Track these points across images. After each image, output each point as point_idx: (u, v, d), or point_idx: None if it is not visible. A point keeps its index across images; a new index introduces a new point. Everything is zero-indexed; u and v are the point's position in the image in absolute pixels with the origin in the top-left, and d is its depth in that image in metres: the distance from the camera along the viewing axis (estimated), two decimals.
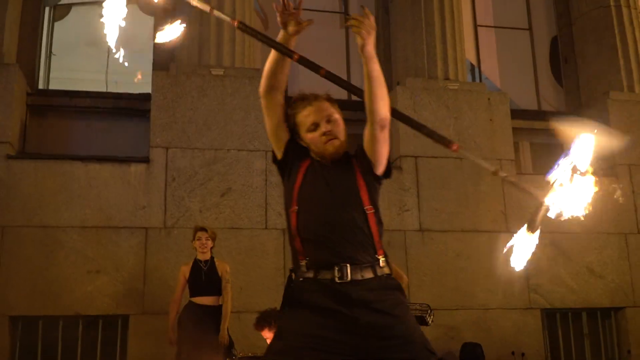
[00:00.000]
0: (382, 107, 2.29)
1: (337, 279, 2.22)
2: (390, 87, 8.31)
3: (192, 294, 5.69)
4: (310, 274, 2.28)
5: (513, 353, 7.14)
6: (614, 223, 8.06)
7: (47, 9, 8.21)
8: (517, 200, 7.84)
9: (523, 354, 7.15)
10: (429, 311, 6.42)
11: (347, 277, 2.23)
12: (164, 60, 7.81)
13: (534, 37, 9.68)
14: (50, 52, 8.16)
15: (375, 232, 2.34)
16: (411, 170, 7.66)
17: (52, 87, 8.06)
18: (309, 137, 2.39)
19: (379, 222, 2.37)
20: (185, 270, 5.71)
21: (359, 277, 2.25)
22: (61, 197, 6.74)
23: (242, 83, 7.38)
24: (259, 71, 7.57)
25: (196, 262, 5.72)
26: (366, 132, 2.36)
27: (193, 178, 7.05)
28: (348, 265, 2.24)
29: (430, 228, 7.56)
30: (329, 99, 2.46)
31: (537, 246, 7.40)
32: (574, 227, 7.86)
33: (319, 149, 2.38)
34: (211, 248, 5.81)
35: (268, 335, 4.96)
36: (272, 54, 2.40)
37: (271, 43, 2.40)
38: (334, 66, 9.49)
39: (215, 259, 5.77)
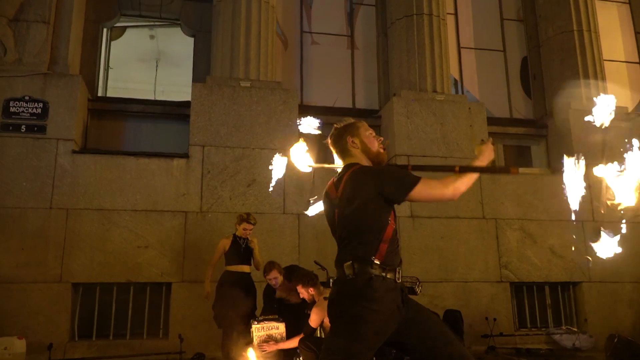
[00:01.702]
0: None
1: (397, 280, 2.25)
2: (387, 98, 8.30)
3: (230, 263, 5.65)
4: (385, 274, 2.23)
5: (487, 318, 7.07)
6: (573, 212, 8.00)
7: (105, 30, 8.20)
8: (491, 192, 7.82)
9: (495, 319, 7.08)
10: (417, 283, 6.41)
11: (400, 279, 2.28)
12: (201, 74, 7.82)
13: (507, 57, 9.57)
14: (108, 65, 8.15)
15: None
16: None
17: (109, 94, 8.05)
18: None
19: None
20: (226, 243, 5.68)
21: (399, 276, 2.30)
22: (116, 185, 6.73)
23: (265, 93, 7.36)
24: (280, 83, 7.61)
25: (236, 238, 5.71)
26: None
27: (224, 171, 7.04)
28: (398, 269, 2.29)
29: (419, 215, 7.51)
30: None
31: (508, 230, 7.37)
32: (540, 215, 7.91)
33: None
34: None
35: (301, 291, 4.93)
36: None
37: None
38: (340, 83, 9.54)
39: (249, 236, 5.78)
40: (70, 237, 6.48)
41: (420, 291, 6.44)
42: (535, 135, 9.04)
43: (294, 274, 5.20)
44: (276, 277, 5.47)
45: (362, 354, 2.14)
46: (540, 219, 7.90)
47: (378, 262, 2.21)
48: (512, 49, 9.64)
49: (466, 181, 2.35)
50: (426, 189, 2.31)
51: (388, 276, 2.22)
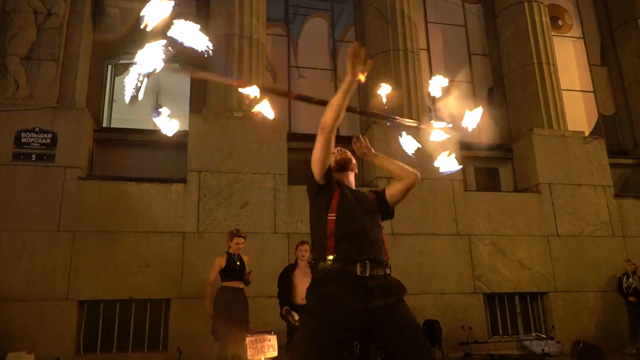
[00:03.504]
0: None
1: (359, 273, 2.19)
2: (368, 126, 8.47)
3: (226, 280, 5.60)
4: (337, 266, 2.20)
5: (462, 327, 7.16)
6: (538, 228, 8.18)
7: (109, 67, 8.34)
8: (464, 210, 7.95)
9: (470, 328, 7.17)
10: None
11: (367, 272, 2.20)
12: (198, 105, 7.91)
13: (475, 87, 9.84)
14: (112, 99, 8.25)
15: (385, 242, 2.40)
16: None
17: (113, 125, 8.14)
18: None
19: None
20: (222, 261, 5.64)
21: (374, 273, 2.22)
22: (119, 209, 6.79)
23: (256, 123, 7.46)
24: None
25: (230, 256, 5.71)
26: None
27: (219, 194, 7.11)
28: (368, 262, 2.23)
29: (400, 232, 7.60)
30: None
31: (480, 245, 7.45)
32: (509, 231, 8.06)
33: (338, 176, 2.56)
34: None
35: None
36: (343, 104, 2.31)
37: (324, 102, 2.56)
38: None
39: (240, 253, 5.81)
40: (77, 257, 6.52)
41: None
42: (502, 158, 9.24)
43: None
44: (307, 250, 5.73)
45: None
46: (509, 234, 8.06)
47: (331, 258, 2.22)
48: (479, 80, 9.91)
49: (327, 112, 2.30)
50: (315, 151, 2.35)
51: (344, 268, 2.20)
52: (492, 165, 9.33)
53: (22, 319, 6.14)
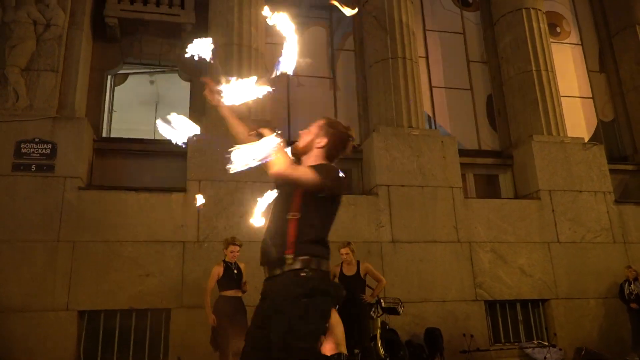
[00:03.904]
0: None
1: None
2: (368, 133, 8.49)
3: (224, 289, 5.63)
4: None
5: (464, 335, 7.15)
6: (539, 234, 8.18)
7: (109, 77, 8.37)
8: (465, 217, 7.96)
9: (472, 336, 7.16)
10: (400, 303, 6.51)
11: (266, 274, 2.15)
12: (197, 115, 7.92)
13: (474, 95, 9.85)
14: (112, 109, 8.27)
15: (292, 234, 2.10)
16: (384, 195, 7.74)
17: (112, 135, 8.17)
18: None
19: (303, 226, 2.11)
20: (219, 270, 5.66)
21: (270, 274, 2.13)
22: (119, 219, 6.79)
23: None
24: (269, 122, 7.76)
25: (227, 264, 5.71)
26: None
27: (219, 204, 7.11)
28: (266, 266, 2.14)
29: (400, 240, 7.61)
30: None
31: (481, 252, 7.43)
32: (509, 238, 8.06)
33: None
34: None
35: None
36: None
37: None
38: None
39: (237, 261, 5.80)
40: (77, 267, 6.51)
41: (403, 311, 6.53)
42: (502, 165, 9.26)
43: None
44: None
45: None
46: (509, 241, 8.06)
47: None
48: (478, 87, 9.93)
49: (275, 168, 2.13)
50: (301, 177, 2.21)
51: None
52: (491, 172, 9.34)
53: (22, 329, 6.13)
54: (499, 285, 7.82)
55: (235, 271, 5.69)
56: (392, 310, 6.46)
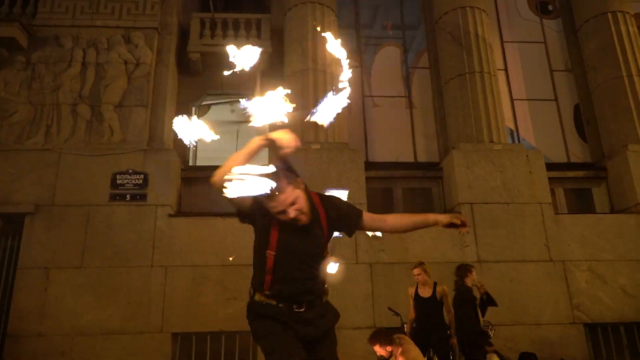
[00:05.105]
0: None
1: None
2: (447, 151, 8.36)
3: None
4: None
5: None
6: None
7: (193, 108, 8.85)
8: (556, 234, 7.59)
9: None
10: (490, 326, 6.26)
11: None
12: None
13: (559, 105, 9.45)
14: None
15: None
16: (467, 214, 7.50)
17: (198, 163, 8.54)
18: None
19: None
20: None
21: None
22: (207, 244, 7.08)
23: (334, 154, 7.63)
24: (347, 144, 7.84)
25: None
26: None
27: None
28: None
29: (486, 259, 7.37)
30: None
31: (577, 272, 7.01)
32: (608, 255, 7.57)
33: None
34: None
35: (378, 349, 4.89)
36: (242, 162, 2.21)
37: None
38: (401, 140, 9.64)
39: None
40: (169, 291, 6.85)
41: (494, 334, 6.28)
42: (594, 177, 8.76)
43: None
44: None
45: None
46: (608, 259, 7.57)
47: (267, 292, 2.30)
48: (564, 97, 9.54)
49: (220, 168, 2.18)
50: None
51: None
52: (583, 185, 8.86)
53: (120, 351, 6.50)
54: (599, 307, 7.35)
55: None
56: (483, 334, 6.22)
